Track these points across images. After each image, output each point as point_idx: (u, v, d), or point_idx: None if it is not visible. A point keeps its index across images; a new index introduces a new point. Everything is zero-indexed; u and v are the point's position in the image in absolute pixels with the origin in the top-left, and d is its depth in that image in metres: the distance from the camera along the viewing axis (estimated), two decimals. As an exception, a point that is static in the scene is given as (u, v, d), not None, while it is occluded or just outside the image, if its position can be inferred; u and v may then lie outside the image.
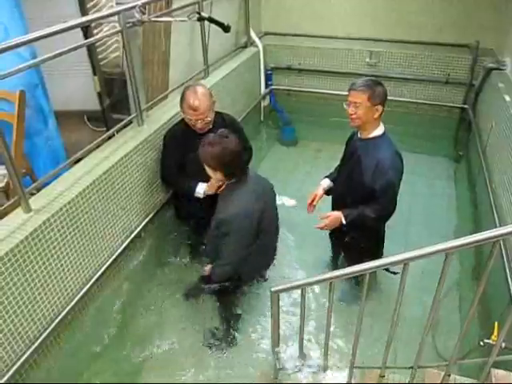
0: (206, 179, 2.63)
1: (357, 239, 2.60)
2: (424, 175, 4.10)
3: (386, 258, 1.52)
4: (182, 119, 2.77)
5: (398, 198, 2.42)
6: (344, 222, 2.47)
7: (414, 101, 4.84)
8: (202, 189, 2.71)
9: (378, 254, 2.63)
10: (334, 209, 2.63)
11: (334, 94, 4.97)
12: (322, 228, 2.55)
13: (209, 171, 2.30)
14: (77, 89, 3.30)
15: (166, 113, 3.07)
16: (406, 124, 4.63)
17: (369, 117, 2.36)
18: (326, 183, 2.77)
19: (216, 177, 2.31)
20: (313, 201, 2.68)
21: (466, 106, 4.66)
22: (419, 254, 1.43)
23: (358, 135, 2.51)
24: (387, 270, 2.37)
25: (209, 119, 2.66)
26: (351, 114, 2.38)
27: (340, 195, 2.67)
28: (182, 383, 2.35)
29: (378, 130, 2.42)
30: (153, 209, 2.95)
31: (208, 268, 2.47)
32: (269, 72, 5.11)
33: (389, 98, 2.36)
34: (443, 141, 4.74)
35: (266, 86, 5.07)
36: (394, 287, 2.70)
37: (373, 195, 2.36)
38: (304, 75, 5.17)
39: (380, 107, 2.35)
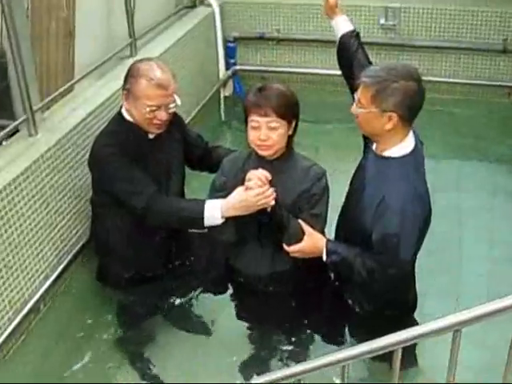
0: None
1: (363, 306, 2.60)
2: (476, 189, 4.16)
3: (426, 325, 1.53)
4: (114, 130, 2.75)
5: (429, 236, 2.43)
6: (324, 258, 2.46)
7: (455, 81, 4.97)
8: (217, 208, 2.47)
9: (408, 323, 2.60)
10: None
11: (331, 74, 4.93)
12: (290, 250, 2.48)
13: (278, 127, 2.45)
14: None
15: (74, 112, 3.08)
16: (442, 117, 4.76)
17: (374, 126, 2.31)
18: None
19: (285, 131, 2.49)
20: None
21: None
22: (478, 315, 1.44)
23: (373, 146, 2.48)
24: None
25: (174, 109, 2.65)
26: (355, 116, 2.37)
27: (340, 220, 2.71)
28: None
29: (400, 148, 2.35)
30: (56, 266, 2.91)
31: None
32: (231, 45, 5.20)
33: (415, 78, 2.33)
34: (502, 139, 4.84)
35: (228, 66, 5.16)
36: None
37: (370, 244, 2.35)
38: (285, 48, 5.26)
39: (394, 116, 2.24)
